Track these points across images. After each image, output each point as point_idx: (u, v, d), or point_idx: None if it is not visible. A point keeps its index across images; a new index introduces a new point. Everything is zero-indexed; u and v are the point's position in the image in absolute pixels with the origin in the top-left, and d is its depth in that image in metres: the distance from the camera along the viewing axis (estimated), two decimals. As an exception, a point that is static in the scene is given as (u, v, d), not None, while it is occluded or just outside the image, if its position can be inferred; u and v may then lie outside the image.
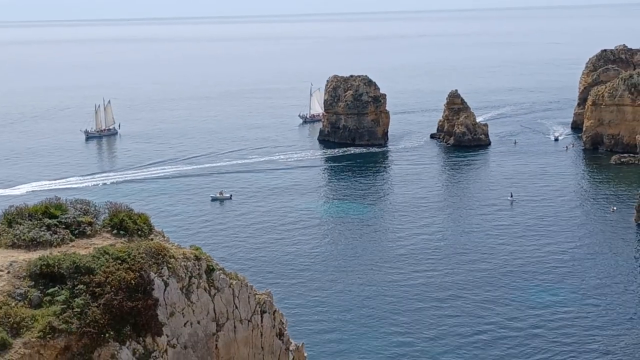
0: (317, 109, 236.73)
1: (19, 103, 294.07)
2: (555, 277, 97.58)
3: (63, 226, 31.78)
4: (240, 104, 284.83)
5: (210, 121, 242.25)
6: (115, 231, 32.44)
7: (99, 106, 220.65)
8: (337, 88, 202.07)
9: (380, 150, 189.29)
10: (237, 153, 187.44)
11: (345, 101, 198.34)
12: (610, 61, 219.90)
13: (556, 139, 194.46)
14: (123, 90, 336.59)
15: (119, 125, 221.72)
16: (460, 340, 79.67)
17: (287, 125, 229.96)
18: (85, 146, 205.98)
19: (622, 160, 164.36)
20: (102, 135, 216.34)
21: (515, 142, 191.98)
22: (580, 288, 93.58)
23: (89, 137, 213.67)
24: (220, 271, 33.32)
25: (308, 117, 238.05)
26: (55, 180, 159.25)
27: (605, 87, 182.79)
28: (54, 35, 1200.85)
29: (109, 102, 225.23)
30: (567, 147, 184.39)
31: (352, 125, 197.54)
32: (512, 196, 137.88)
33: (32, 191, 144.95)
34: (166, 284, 30.04)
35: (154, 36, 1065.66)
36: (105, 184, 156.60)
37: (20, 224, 31.54)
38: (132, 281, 28.40)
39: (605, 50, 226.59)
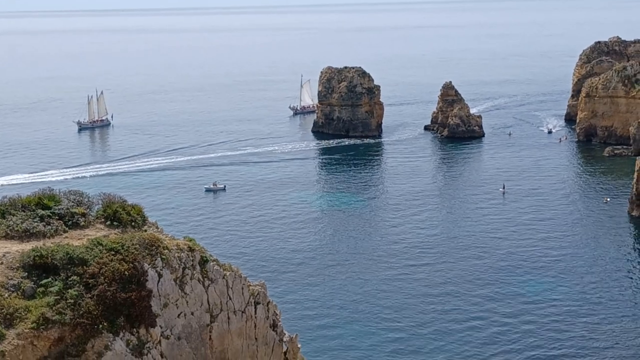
0: (308, 100, 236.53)
1: (10, 94, 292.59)
2: (547, 268, 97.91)
3: (56, 217, 31.68)
4: (233, 96, 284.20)
5: (203, 113, 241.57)
6: (108, 222, 32.36)
7: (91, 97, 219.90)
8: (331, 79, 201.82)
9: (374, 141, 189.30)
10: (230, 144, 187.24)
11: (339, 92, 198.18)
12: (604, 53, 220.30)
13: (550, 132, 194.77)
14: (116, 81, 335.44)
15: (112, 116, 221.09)
16: (451, 332, 79.90)
17: (279, 117, 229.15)
18: (78, 137, 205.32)
19: (615, 152, 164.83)
20: (95, 126, 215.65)
21: (510, 134, 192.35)
22: (572, 279, 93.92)
23: (81, 128, 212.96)
24: (214, 262, 33.30)
25: (298, 108, 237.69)
26: (47, 171, 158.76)
27: (599, 79, 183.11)
28: (45, 25, 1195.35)
29: (102, 92, 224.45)
30: (560, 139, 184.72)
31: (346, 116, 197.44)
32: (504, 187, 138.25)
33: (25, 182, 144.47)
34: (160, 275, 30.01)
35: (147, 27, 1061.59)
36: (98, 175, 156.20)
37: (14, 215, 31.42)
38: (126, 272, 28.37)
39: (599, 42, 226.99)
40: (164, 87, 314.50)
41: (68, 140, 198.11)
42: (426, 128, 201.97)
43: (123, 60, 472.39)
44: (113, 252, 28.75)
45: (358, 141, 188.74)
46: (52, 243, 29.25)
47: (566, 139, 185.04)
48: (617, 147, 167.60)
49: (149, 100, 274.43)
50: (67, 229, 31.33)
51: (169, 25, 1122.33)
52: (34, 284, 27.06)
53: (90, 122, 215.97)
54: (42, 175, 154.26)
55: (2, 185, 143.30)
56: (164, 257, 30.54)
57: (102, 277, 27.70)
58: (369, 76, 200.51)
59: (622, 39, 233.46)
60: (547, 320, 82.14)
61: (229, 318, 33.02)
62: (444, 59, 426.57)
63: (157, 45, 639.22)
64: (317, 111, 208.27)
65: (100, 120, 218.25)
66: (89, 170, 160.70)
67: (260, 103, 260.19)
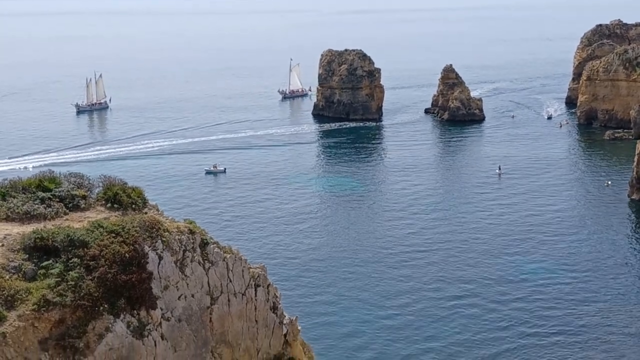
0: (297, 84, 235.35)
1: (9, 77, 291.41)
2: (547, 251, 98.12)
3: (57, 199, 31.59)
4: (229, 79, 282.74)
5: (201, 97, 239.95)
6: (109, 205, 32.28)
7: (90, 80, 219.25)
8: (332, 62, 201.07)
9: (374, 125, 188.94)
10: (229, 126, 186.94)
11: (340, 75, 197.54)
12: (605, 36, 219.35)
13: (549, 117, 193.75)
14: (114, 64, 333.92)
15: (110, 99, 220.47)
16: (445, 314, 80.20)
17: (267, 102, 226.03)
18: (76, 120, 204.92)
19: (615, 135, 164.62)
20: (94, 109, 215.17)
21: (513, 117, 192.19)
22: (571, 262, 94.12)
23: (80, 110, 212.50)
24: (215, 245, 33.27)
25: (287, 92, 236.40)
26: (47, 153, 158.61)
27: (600, 62, 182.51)
28: (43, 7, 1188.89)
29: (100, 75, 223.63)
30: (560, 124, 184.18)
31: (347, 99, 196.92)
32: (500, 169, 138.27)
33: (25, 165, 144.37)
34: (160, 258, 30.00)
35: (145, 10, 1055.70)
36: (97, 157, 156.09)
37: (14, 197, 31.35)
38: (127, 254, 28.33)
39: (600, 25, 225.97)
40: (160, 72, 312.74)
41: (66, 123, 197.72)
42: (427, 111, 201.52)
43: (122, 43, 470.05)
44: (114, 235, 28.71)
45: (359, 124, 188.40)
46: (52, 225, 29.20)
47: (567, 123, 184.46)
48: (618, 130, 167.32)
49: (146, 84, 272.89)
50: (67, 211, 31.27)
51: (167, 8, 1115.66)
52: (34, 266, 27.04)
53: (89, 105, 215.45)
54: (41, 157, 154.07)
55: (0, 168, 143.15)
56: (164, 239, 30.51)
57: (103, 259, 27.67)
58: (370, 59, 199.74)
59: (624, 22, 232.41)
60: (544, 303, 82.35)
61: (229, 300, 33.08)
62: (444, 41, 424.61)
63: (156, 28, 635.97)
64: (317, 94, 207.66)
65: (99, 103, 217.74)
66: (88, 152, 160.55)
67: (260, 88, 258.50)
